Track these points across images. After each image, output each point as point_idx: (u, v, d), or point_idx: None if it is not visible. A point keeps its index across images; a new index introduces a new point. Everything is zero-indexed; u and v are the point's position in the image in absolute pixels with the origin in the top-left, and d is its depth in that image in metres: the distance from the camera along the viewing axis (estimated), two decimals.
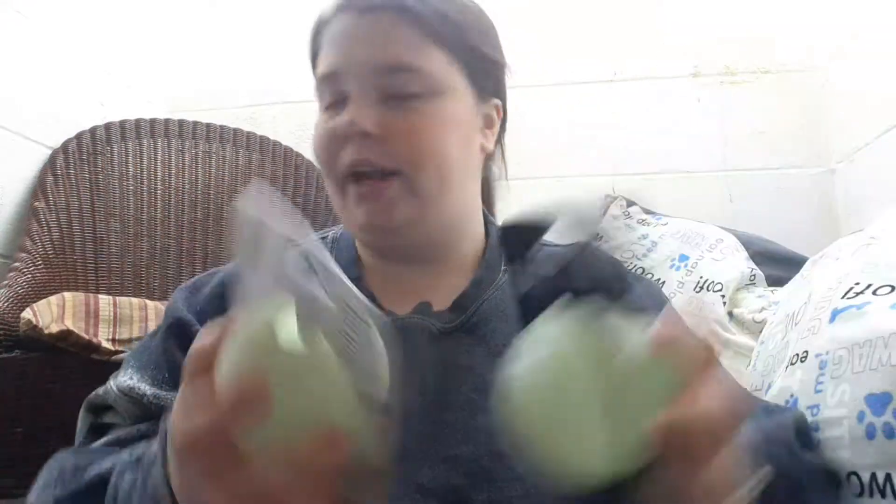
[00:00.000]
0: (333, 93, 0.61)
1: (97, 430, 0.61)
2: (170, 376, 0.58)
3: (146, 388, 0.57)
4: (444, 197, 0.61)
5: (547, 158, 1.81)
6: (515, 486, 0.50)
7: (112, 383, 0.59)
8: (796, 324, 0.82)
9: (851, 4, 1.60)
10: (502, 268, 0.66)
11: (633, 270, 0.60)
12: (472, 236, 0.68)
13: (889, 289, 0.70)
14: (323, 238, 0.70)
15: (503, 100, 0.70)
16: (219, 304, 0.62)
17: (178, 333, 0.60)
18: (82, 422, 0.63)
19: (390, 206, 0.59)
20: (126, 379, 0.59)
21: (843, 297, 0.73)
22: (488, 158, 0.71)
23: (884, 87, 1.45)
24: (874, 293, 0.71)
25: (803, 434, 0.57)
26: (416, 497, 0.50)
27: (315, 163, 0.65)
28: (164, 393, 0.57)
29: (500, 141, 0.73)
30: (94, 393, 0.61)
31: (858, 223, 1.38)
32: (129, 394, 0.57)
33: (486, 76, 0.66)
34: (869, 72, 1.53)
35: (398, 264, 0.65)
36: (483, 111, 0.66)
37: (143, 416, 0.57)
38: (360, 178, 0.59)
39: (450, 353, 0.58)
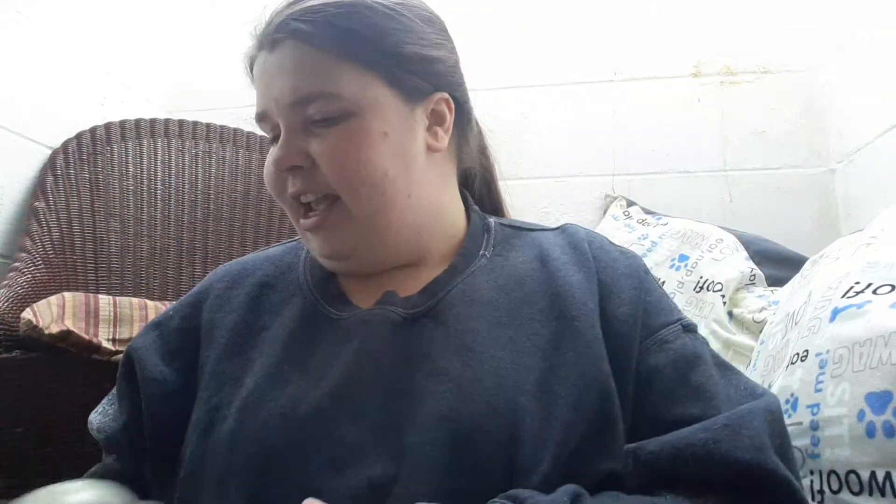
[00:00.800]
0: (270, 129, 0.63)
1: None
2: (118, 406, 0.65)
3: (94, 420, 0.66)
4: (391, 211, 0.61)
5: (547, 158, 1.81)
6: (458, 478, 0.49)
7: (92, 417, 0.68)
8: (796, 323, 0.82)
9: (851, 4, 1.61)
10: (480, 253, 0.65)
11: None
12: (448, 231, 0.67)
13: (889, 288, 0.70)
14: (300, 240, 0.70)
15: (453, 90, 0.66)
16: (187, 323, 0.66)
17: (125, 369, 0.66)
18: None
19: (336, 234, 0.61)
20: (96, 416, 0.66)
21: (843, 296, 0.73)
22: (463, 147, 0.70)
23: (884, 87, 1.45)
24: (874, 292, 0.71)
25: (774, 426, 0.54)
26: (365, 493, 0.49)
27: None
28: (108, 424, 0.64)
29: (465, 132, 0.70)
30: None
31: (858, 223, 1.38)
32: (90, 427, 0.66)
33: (416, 75, 0.62)
34: (869, 72, 1.53)
35: (371, 271, 0.65)
36: (421, 111, 0.63)
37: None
38: (308, 209, 0.62)
39: (411, 342, 0.57)
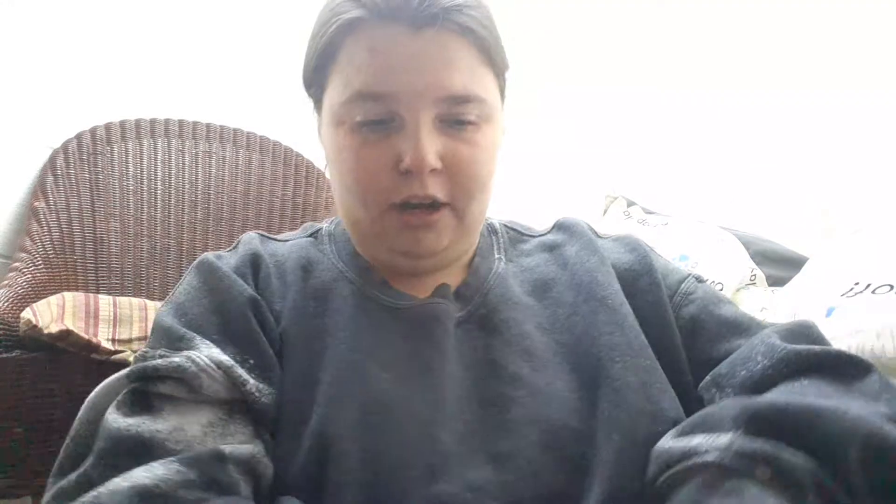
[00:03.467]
0: (379, 112, 0.55)
1: (142, 400, 0.51)
2: (255, 363, 0.53)
3: (245, 375, 0.52)
4: (481, 219, 0.62)
5: (547, 158, 1.81)
6: (559, 477, 0.50)
7: (195, 355, 0.51)
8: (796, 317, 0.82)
9: None
10: (495, 256, 0.65)
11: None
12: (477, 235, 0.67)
13: (888, 288, 0.70)
14: (315, 233, 0.68)
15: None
16: (249, 283, 0.60)
17: (255, 313, 0.56)
18: (120, 387, 0.54)
19: (435, 234, 0.57)
20: (217, 353, 0.52)
21: (842, 295, 0.73)
22: None
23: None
24: (873, 293, 0.71)
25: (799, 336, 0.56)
26: (467, 496, 0.49)
27: (349, 189, 0.58)
28: (264, 387, 0.53)
29: None
30: (141, 366, 0.52)
31: (858, 223, 1.38)
32: (228, 372, 0.51)
33: (504, 86, 0.63)
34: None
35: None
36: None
37: (228, 405, 0.52)
38: (407, 207, 0.56)
39: (467, 344, 0.57)
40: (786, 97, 1.75)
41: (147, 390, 0.51)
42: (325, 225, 0.69)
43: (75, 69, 1.63)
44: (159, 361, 0.51)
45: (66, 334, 1.07)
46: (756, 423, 0.45)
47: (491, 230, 0.69)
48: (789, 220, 1.69)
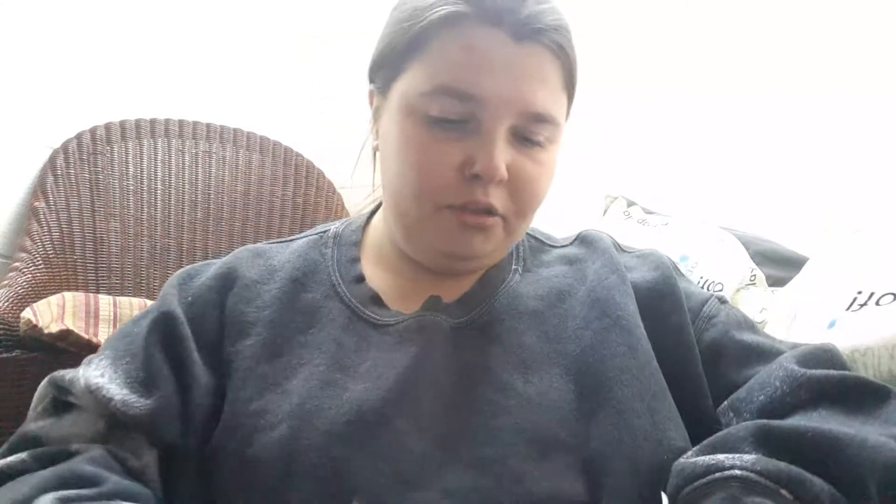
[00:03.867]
0: (458, 112, 0.54)
1: (58, 406, 0.55)
2: (145, 377, 0.54)
3: (115, 392, 0.52)
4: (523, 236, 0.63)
5: None
6: (543, 486, 0.50)
7: (81, 373, 0.53)
8: (796, 325, 0.82)
9: None
10: (512, 267, 0.65)
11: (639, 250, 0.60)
12: None
13: (891, 297, 0.69)
14: (323, 233, 0.68)
15: None
16: (210, 295, 0.61)
17: (163, 329, 0.57)
18: (43, 391, 0.56)
19: (484, 240, 0.58)
20: (97, 374, 0.53)
21: (846, 309, 0.73)
22: None
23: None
24: (877, 303, 0.70)
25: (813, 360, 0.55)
26: (443, 502, 0.49)
27: (406, 182, 0.57)
28: (134, 399, 0.52)
29: None
30: (60, 374, 0.55)
31: (858, 223, 1.38)
32: (94, 393, 0.52)
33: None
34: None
35: (410, 264, 0.63)
36: None
37: (107, 417, 0.53)
38: (465, 210, 0.56)
39: (465, 353, 0.57)
40: (785, 98, 1.75)
41: (59, 397, 0.54)
42: (334, 226, 0.69)
43: (75, 69, 1.63)
44: (70, 372, 0.54)
45: (67, 334, 1.07)
46: (776, 446, 0.45)
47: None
48: (789, 220, 1.69)
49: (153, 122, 1.69)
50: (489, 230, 0.57)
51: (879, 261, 0.76)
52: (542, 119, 0.55)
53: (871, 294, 0.71)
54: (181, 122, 1.72)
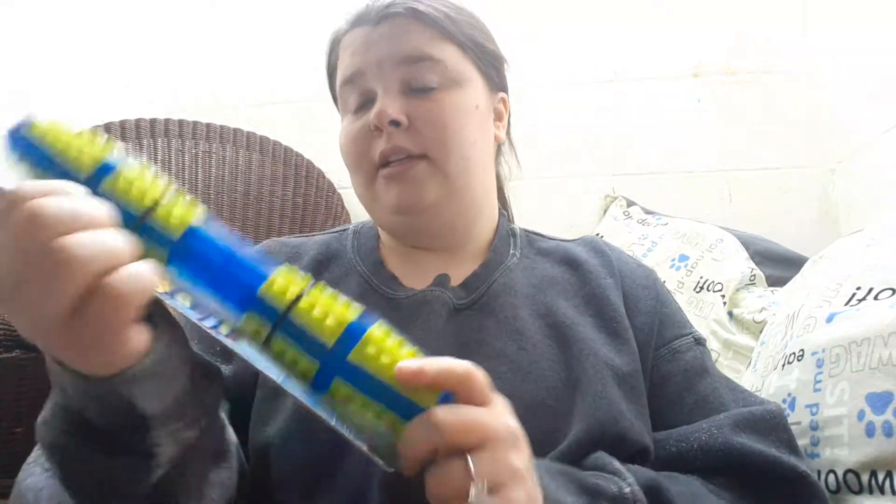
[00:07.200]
0: (359, 94, 0.65)
1: None
2: (221, 349, 0.57)
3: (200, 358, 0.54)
4: (468, 178, 0.65)
5: (547, 158, 1.80)
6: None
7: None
8: (796, 324, 0.82)
9: (851, 4, 1.61)
10: (510, 252, 0.69)
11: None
12: (487, 222, 0.72)
13: (890, 292, 0.70)
14: (343, 230, 0.73)
15: (507, 94, 0.75)
16: None
17: None
18: None
19: (419, 185, 0.63)
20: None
21: (845, 304, 0.73)
22: (500, 149, 0.76)
23: (884, 86, 1.45)
24: (875, 298, 0.70)
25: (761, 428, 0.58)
26: None
27: (346, 162, 0.68)
28: (219, 362, 0.56)
29: (508, 134, 0.77)
30: None
31: (858, 223, 1.38)
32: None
33: (493, 69, 0.71)
34: (869, 71, 1.53)
35: (418, 250, 0.68)
36: (493, 103, 0.71)
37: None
38: (388, 165, 0.63)
39: (464, 330, 0.60)
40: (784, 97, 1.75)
41: None
42: (352, 225, 0.75)
43: (75, 69, 1.63)
44: None
45: None
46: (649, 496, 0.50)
47: (511, 233, 0.73)
48: (789, 220, 1.69)
49: (153, 122, 1.69)
50: (417, 175, 0.62)
51: (879, 260, 0.76)
52: (416, 59, 0.63)
53: (871, 290, 0.71)
54: (181, 122, 1.72)
